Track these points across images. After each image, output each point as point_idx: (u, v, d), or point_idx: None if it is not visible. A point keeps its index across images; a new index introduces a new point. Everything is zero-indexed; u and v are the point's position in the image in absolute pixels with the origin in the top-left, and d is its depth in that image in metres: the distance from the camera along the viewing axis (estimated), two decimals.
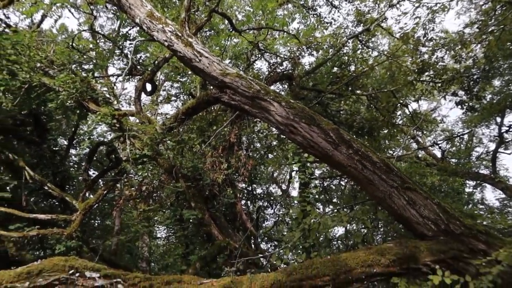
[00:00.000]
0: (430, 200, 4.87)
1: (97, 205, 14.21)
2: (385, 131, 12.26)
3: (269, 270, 6.24)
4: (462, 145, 18.43)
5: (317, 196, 9.47)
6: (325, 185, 14.39)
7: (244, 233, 8.78)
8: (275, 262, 5.56)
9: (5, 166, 10.39)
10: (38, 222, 9.25)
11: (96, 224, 14.81)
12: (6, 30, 10.10)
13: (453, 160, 17.81)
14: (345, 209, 6.94)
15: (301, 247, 6.15)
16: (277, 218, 15.16)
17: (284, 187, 21.38)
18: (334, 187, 15.62)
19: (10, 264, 5.23)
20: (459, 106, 12.43)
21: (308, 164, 7.22)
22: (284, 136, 5.84)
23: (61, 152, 11.54)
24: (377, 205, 5.70)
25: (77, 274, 4.98)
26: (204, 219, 7.67)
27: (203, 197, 8.21)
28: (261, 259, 7.08)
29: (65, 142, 12.79)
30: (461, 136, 17.20)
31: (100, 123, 7.71)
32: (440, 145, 15.62)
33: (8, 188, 9.97)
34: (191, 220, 8.05)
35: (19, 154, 10.23)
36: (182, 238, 9.28)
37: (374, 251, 4.66)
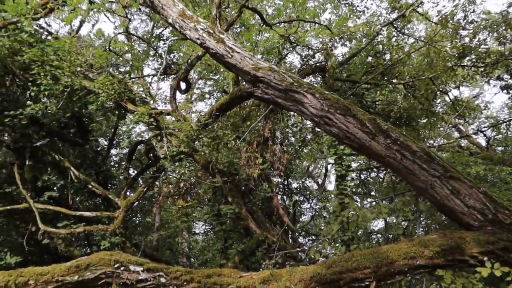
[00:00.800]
0: (476, 189, 4.66)
1: (137, 202, 14.71)
2: (424, 120, 11.83)
3: (308, 263, 6.20)
4: (509, 132, 17.48)
5: (354, 189, 9.31)
6: (363, 178, 14.11)
7: (281, 227, 8.78)
8: (313, 256, 5.52)
9: (52, 167, 10.94)
10: (83, 220, 9.69)
11: (138, 221, 15.33)
12: (48, 37, 10.58)
13: (499, 148, 16.94)
14: (384, 201, 6.77)
15: (339, 240, 6.07)
16: (314, 212, 15.05)
17: (320, 181, 21.19)
18: (372, 180, 15.28)
19: (59, 259, 5.51)
20: (505, 91, 11.76)
21: (344, 157, 7.10)
22: (319, 129, 5.75)
23: (103, 152, 11.99)
24: (418, 196, 5.51)
25: (122, 268, 5.17)
26: (241, 213, 7.74)
27: (240, 191, 8.28)
28: (300, 252, 7.06)
29: (106, 143, 13.29)
30: (508, 122, 16.29)
31: (138, 122, 7.93)
32: (484, 133, 14.88)
33: (55, 188, 10.49)
34: (228, 215, 8.15)
35: (64, 155, 10.73)
36: (221, 233, 9.39)
37: (417, 242, 4.52)
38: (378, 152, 5.01)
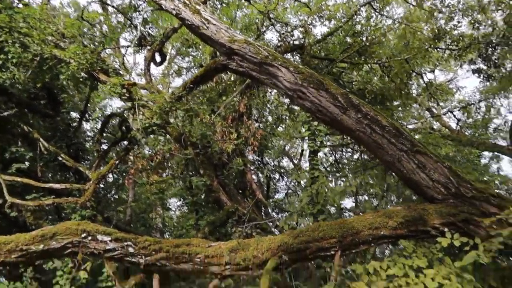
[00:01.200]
0: (441, 163, 4.79)
1: (111, 177, 14.54)
2: (398, 102, 12.01)
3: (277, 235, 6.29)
4: (478, 115, 18.02)
5: (326, 165, 9.45)
6: (337, 158, 14.34)
7: (255, 203, 8.85)
8: (282, 227, 5.60)
9: (21, 138, 10.63)
10: (53, 192, 9.51)
11: (112, 198, 15.16)
12: (18, 4, 10.12)
13: (469, 131, 17.44)
14: (354, 175, 6.90)
15: (309, 213, 6.17)
16: (288, 190, 15.24)
17: (296, 161, 21.36)
18: (346, 161, 15.52)
19: (27, 232, 5.37)
20: (476, 74, 12.06)
21: (318, 133, 7.17)
22: (293, 103, 5.77)
23: (74, 125, 11.70)
24: (386, 171, 5.64)
25: (89, 238, 5.12)
26: (213, 185, 7.75)
27: (212, 164, 8.27)
28: (270, 225, 7.16)
29: (78, 116, 12.95)
30: (478, 105, 16.77)
31: (110, 93, 7.73)
32: (455, 114, 15.28)
33: (24, 160, 10.21)
34: (200, 187, 8.13)
35: (34, 127, 10.42)
36: (192, 205, 9.42)
37: (382, 214, 4.65)
38: (349, 126, 5.07)
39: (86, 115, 12.13)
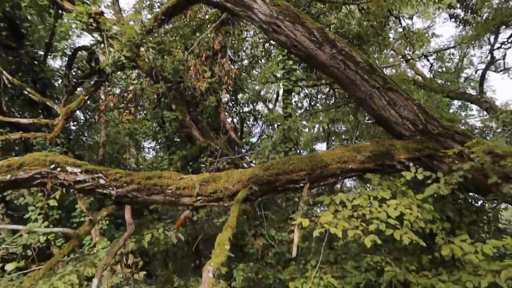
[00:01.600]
0: (411, 101, 4.86)
1: (81, 116, 14.18)
2: (375, 47, 11.92)
3: None
4: (452, 64, 18.27)
5: (299, 105, 9.48)
6: (311, 101, 14.42)
7: (228, 142, 8.88)
8: (254, 161, 5.68)
9: None
10: (21, 128, 9.19)
11: (85, 139, 14.86)
12: None
13: (441, 81, 17.71)
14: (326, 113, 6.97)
15: (281, 151, 6.25)
16: (262, 133, 15.36)
17: (271, 106, 21.36)
18: (319, 101, 15.59)
19: None
20: (453, 19, 12.02)
21: (291, 71, 7.09)
22: (268, 36, 5.61)
23: (40, 59, 11.10)
24: (358, 108, 5.70)
25: (59, 169, 5.02)
26: (185, 121, 7.67)
27: (184, 100, 8.11)
28: (242, 162, 7.26)
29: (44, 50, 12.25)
30: (451, 52, 16.93)
31: (76, 22, 7.27)
32: (429, 59, 15.41)
33: None
34: (172, 123, 8.03)
35: None
36: (164, 140, 9.35)
37: (351, 148, 4.75)
38: (324, 61, 5.01)
39: (52, 49, 11.46)
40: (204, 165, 7.42)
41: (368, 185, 5.10)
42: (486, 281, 3.77)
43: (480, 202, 5.15)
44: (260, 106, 20.74)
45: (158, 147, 13.21)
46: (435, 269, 4.51)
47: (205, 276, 2.94)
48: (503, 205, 5.33)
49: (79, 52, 12.03)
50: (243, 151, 10.27)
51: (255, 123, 16.90)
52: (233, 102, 11.57)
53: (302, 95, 11.19)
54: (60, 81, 12.56)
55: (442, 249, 4.14)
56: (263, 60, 11.67)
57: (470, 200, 5.11)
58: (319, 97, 14.56)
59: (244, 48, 11.16)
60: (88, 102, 12.37)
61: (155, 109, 8.98)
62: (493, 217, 4.85)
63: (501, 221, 5.41)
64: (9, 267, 5.78)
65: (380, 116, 4.94)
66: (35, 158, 5.01)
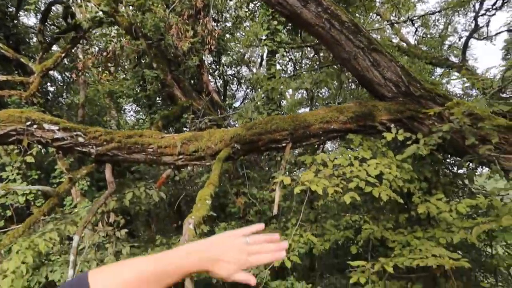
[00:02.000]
0: (395, 62, 4.85)
1: (59, 77, 13.72)
2: (361, 8, 11.73)
3: None
4: (436, 30, 18.25)
5: (284, 68, 9.37)
6: (295, 63, 14.27)
7: (211, 104, 8.77)
8: (236, 121, 5.64)
9: None
10: None
11: (63, 101, 14.45)
12: None
13: (425, 48, 17.73)
14: (309, 74, 6.92)
15: (264, 112, 6.22)
16: (245, 97, 15.21)
17: (255, 70, 21.11)
18: (303, 62, 15.43)
19: None
20: None
21: (276, 32, 6.93)
22: None
23: (12, 14, 10.52)
24: (341, 70, 5.66)
25: (35, 126, 4.89)
26: (166, 80, 7.49)
27: (166, 59, 7.90)
28: (225, 123, 7.21)
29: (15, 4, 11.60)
30: (436, 17, 16.86)
31: None
32: (414, 23, 15.32)
33: None
34: (152, 81, 7.85)
35: None
36: (145, 101, 9.17)
37: (334, 109, 4.75)
38: (308, 20, 4.89)
39: (25, 3, 10.85)
40: (186, 125, 7.34)
41: (349, 145, 5.15)
42: (458, 237, 3.92)
43: (457, 165, 5.29)
44: (244, 70, 20.50)
45: (139, 109, 12.96)
46: (411, 227, 4.67)
47: (185, 227, 2.96)
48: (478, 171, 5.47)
49: (54, 7, 11.48)
50: (225, 112, 10.15)
51: (238, 87, 16.72)
52: (216, 64, 11.32)
53: (286, 59, 11.03)
54: (34, 39, 12.03)
55: (418, 207, 4.26)
56: (247, 23, 11.38)
57: (447, 163, 5.24)
58: (303, 62, 14.40)
59: (228, 8, 10.82)
60: (66, 61, 11.95)
61: (135, 67, 8.72)
62: (468, 178, 4.98)
63: (475, 185, 5.58)
64: None
65: (364, 77, 4.92)
66: (10, 115, 4.85)
